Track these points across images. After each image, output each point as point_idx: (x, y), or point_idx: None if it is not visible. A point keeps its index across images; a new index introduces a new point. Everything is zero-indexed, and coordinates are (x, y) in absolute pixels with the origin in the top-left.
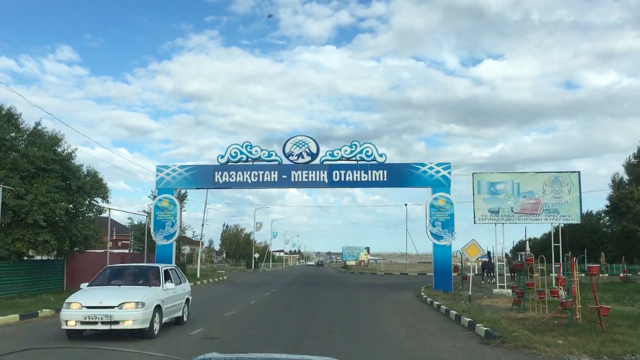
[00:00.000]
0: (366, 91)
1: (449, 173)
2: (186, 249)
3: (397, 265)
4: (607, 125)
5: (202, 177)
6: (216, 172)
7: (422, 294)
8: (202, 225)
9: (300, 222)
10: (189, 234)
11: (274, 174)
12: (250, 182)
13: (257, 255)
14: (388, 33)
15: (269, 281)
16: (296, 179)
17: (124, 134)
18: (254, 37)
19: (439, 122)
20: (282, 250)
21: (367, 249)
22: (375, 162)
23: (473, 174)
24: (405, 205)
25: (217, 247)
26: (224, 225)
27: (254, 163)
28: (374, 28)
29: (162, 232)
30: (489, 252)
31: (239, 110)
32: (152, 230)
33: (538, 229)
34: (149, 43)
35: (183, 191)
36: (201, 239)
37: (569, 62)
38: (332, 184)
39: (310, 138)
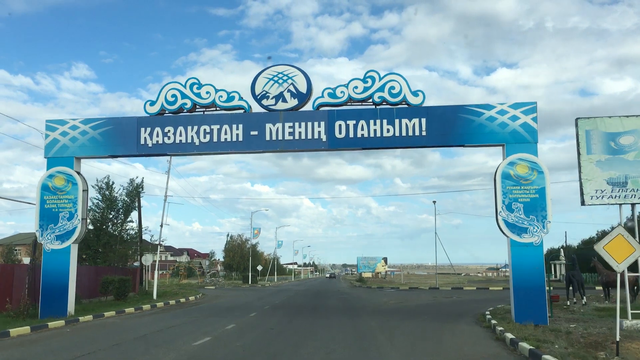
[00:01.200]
0: None
1: (534, 119)
2: (148, 259)
3: (416, 277)
4: None
5: (121, 138)
6: (142, 129)
7: (503, 332)
8: (161, 225)
9: (315, 234)
10: (147, 237)
11: (238, 129)
12: (198, 143)
13: (260, 268)
14: (401, 44)
15: (252, 303)
16: (274, 137)
17: None
18: (266, 50)
19: None
20: (295, 263)
21: (385, 259)
22: (405, 105)
23: (577, 119)
24: (434, 202)
25: (221, 258)
26: (227, 235)
27: (206, 112)
28: (386, 39)
29: (52, 229)
30: (573, 258)
31: None
32: (36, 226)
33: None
34: (163, 59)
35: (138, 180)
36: (159, 243)
37: (583, 69)
38: (333, 143)
39: (297, 69)
